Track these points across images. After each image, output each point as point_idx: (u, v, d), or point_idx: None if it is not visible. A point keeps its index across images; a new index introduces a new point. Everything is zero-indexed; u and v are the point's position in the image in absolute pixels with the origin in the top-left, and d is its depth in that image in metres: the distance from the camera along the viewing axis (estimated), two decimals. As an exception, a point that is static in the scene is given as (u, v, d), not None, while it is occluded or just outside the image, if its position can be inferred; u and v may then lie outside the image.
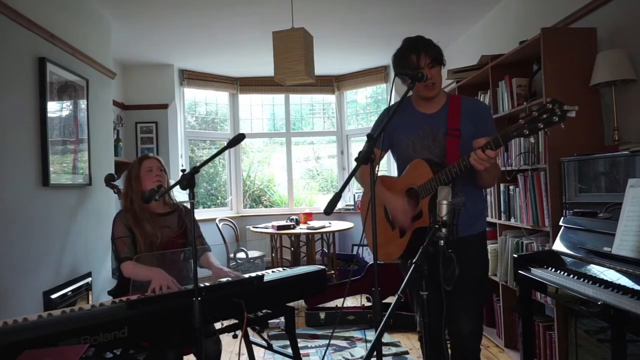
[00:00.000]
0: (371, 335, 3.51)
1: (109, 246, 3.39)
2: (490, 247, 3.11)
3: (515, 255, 2.30)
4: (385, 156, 2.49)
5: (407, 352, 3.23)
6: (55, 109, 2.98)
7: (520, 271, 2.21)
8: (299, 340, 2.47)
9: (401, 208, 1.85)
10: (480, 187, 1.93)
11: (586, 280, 1.84)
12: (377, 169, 1.62)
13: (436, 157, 1.87)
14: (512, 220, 3.02)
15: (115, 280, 2.45)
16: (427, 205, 1.78)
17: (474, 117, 1.88)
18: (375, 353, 1.33)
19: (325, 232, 4.93)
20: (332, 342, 3.49)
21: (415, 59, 1.82)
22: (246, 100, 6.52)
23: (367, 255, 5.69)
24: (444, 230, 1.46)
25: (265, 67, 5.26)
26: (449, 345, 1.91)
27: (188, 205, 2.45)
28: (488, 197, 3.29)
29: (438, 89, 1.90)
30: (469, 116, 1.88)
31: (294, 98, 6.65)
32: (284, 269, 2.42)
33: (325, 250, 5.34)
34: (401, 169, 2.00)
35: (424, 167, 1.82)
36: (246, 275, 2.17)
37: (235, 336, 2.00)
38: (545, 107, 1.45)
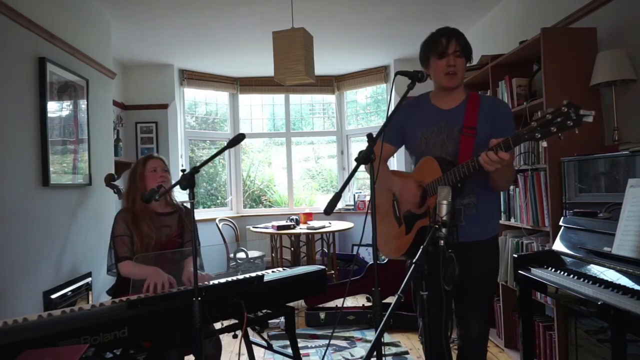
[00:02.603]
0: (371, 335, 3.51)
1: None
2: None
3: (515, 255, 2.30)
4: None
5: (407, 352, 3.23)
6: (55, 108, 2.98)
7: (520, 271, 2.21)
8: (299, 340, 2.47)
9: (407, 188, 1.84)
10: (493, 189, 1.85)
11: (586, 280, 1.83)
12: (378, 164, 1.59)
13: (449, 155, 1.83)
14: (512, 220, 3.02)
15: (110, 278, 2.45)
16: (434, 204, 1.77)
17: (492, 116, 1.83)
18: (375, 353, 1.33)
19: (325, 232, 4.93)
20: (332, 342, 3.49)
21: (445, 42, 1.81)
22: (246, 100, 6.52)
23: (368, 255, 5.69)
24: (444, 230, 1.46)
25: (265, 67, 5.26)
26: (453, 346, 1.91)
27: (188, 206, 2.46)
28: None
29: (459, 81, 1.87)
30: (487, 115, 1.84)
31: (294, 98, 6.65)
32: (284, 269, 2.42)
33: (325, 250, 5.33)
34: (415, 165, 1.98)
35: (433, 165, 1.79)
36: (244, 276, 2.17)
37: (235, 336, 2.00)
38: (560, 110, 1.41)
